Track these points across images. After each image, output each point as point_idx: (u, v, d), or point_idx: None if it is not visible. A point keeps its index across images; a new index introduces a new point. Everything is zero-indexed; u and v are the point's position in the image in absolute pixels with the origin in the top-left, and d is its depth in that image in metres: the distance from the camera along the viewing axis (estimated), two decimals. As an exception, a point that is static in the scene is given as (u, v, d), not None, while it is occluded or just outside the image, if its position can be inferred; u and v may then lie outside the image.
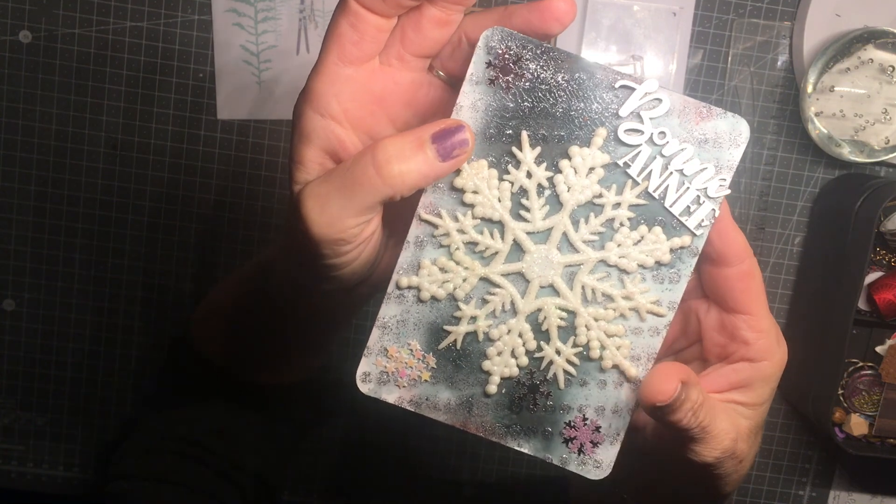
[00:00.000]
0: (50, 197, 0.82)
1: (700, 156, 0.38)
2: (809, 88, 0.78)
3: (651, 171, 0.38)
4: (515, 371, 0.40)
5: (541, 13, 0.37)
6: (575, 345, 0.39)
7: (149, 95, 0.81)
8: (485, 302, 0.39)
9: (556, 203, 0.38)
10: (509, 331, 0.39)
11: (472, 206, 0.38)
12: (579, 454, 0.40)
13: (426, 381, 0.40)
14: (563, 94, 0.38)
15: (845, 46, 0.77)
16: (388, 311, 0.39)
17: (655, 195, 0.38)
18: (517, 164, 0.38)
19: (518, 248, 0.39)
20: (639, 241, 0.39)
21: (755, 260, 0.40)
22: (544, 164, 0.38)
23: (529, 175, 0.38)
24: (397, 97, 0.40)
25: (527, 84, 0.38)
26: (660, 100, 0.38)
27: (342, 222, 0.37)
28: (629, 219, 0.38)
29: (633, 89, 0.38)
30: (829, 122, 0.80)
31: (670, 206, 0.38)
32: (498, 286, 0.39)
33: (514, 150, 0.38)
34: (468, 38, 0.39)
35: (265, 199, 0.83)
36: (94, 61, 0.80)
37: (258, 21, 0.79)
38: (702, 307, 0.42)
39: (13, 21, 0.79)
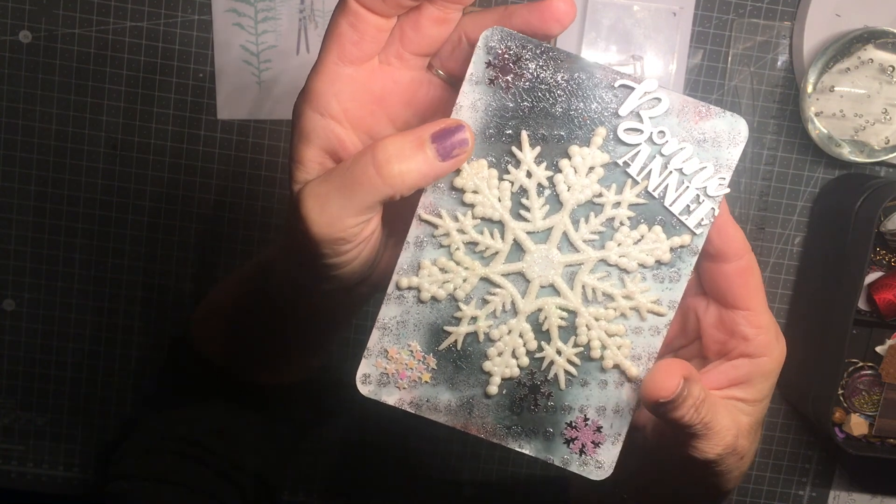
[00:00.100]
0: (50, 197, 0.82)
1: (699, 155, 0.38)
2: (809, 88, 0.78)
3: (651, 170, 0.38)
4: (516, 371, 0.39)
5: (541, 14, 0.37)
6: (576, 345, 0.39)
7: (149, 95, 0.81)
8: (485, 302, 0.39)
9: (556, 202, 0.38)
10: (510, 331, 0.39)
11: (472, 205, 0.38)
12: (581, 455, 0.40)
13: (426, 382, 0.40)
14: (562, 93, 0.38)
15: (845, 46, 0.77)
16: (388, 311, 0.39)
17: (655, 194, 0.38)
18: (517, 163, 0.38)
19: (518, 248, 0.39)
20: (639, 241, 0.39)
21: (753, 256, 0.40)
22: (544, 164, 0.38)
23: (529, 175, 0.38)
24: (397, 96, 0.40)
25: (526, 84, 0.38)
26: (659, 99, 0.38)
27: (342, 222, 0.37)
28: (629, 218, 0.38)
29: (632, 89, 0.38)
30: (829, 122, 0.80)
31: (670, 205, 0.38)
32: (498, 286, 0.39)
33: (514, 149, 0.38)
34: (468, 38, 0.39)
35: (265, 199, 0.83)
36: (94, 61, 0.80)
37: (258, 21, 0.79)
38: (700, 305, 0.42)
39: (13, 21, 0.79)
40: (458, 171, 0.38)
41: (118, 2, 0.79)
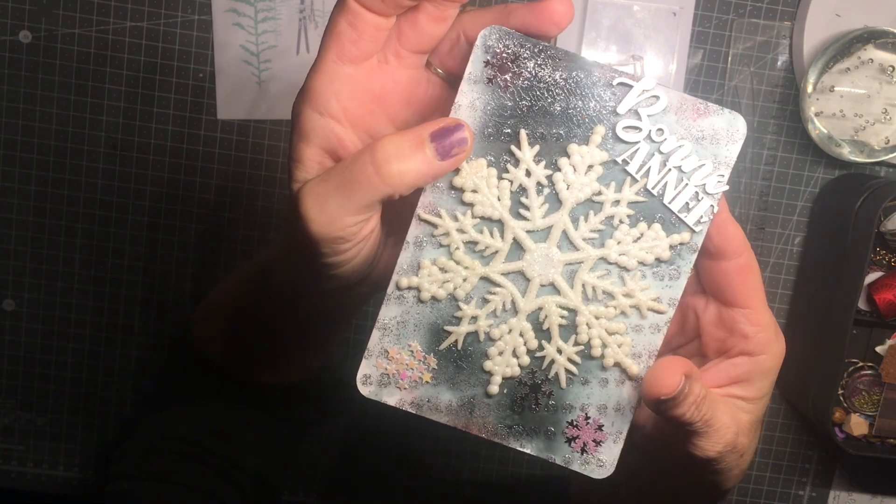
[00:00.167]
0: (50, 197, 0.82)
1: (698, 152, 0.38)
2: (809, 88, 0.78)
3: (649, 167, 0.38)
4: (517, 371, 0.39)
5: (538, 15, 0.37)
6: (576, 343, 0.39)
7: (149, 95, 0.81)
8: (485, 301, 0.39)
9: (555, 201, 0.38)
10: (510, 330, 0.39)
11: (471, 205, 0.38)
12: (582, 453, 0.40)
13: (427, 382, 0.39)
14: (560, 92, 0.38)
15: (845, 46, 0.77)
16: (388, 312, 0.39)
17: (654, 192, 0.38)
18: (516, 162, 0.38)
19: (518, 247, 0.39)
20: (638, 239, 0.39)
21: (753, 254, 0.40)
22: (543, 163, 0.38)
23: (528, 173, 0.38)
24: (396, 95, 0.40)
25: (525, 83, 0.38)
26: (657, 97, 0.38)
27: (341, 220, 0.37)
28: (628, 216, 0.38)
29: (630, 87, 0.38)
30: (829, 122, 0.80)
31: (669, 203, 0.38)
32: (498, 285, 0.39)
33: (513, 148, 0.38)
34: (466, 37, 0.39)
35: (265, 199, 0.83)
36: (94, 61, 0.80)
37: (258, 21, 0.79)
38: (700, 303, 0.42)
39: (13, 21, 0.79)
40: (457, 171, 0.38)
41: (118, 2, 0.79)
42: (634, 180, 0.38)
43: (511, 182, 0.38)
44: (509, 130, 0.38)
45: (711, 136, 0.38)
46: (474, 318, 0.39)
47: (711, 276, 0.40)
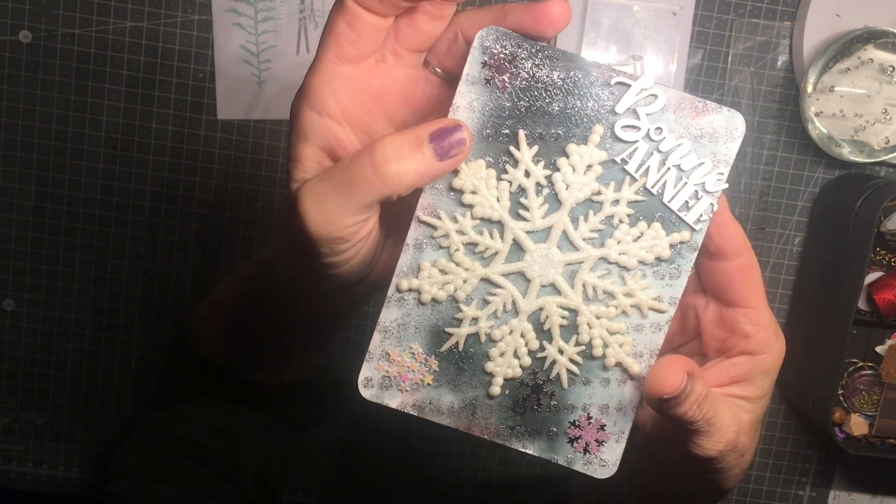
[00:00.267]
0: (50, 197, 0.82)
1: (697, 151, 0.38)
2: (809, 88, 0.78)
3: (649, 167, 0.38)
4: (518, 372, 0.39)
5: (535, 16, 0.37)
6: (577, 343, 0.39)
7: (149, 95, 0.81)
8: (486, 303, 0.39)
9: (554, 201, 0.38)
10: (511, 331, 0.39)
11: (470, 206, 0.38)
12: (585, 453, 0.40)
13: (429, 384, 0.39)
14: (559, 92, 0.38)
15: (845, 46, 0.77)
16: (389, 314, 0.39)
17: (654, 191, 0.38)
18: (515, 163, 0.38)
19: (518, 248, 0.39)
20: (638, 238, 0.39)
21: (754, 253, 0.40)
22: (542, 163, 0.38)
23: (528, 174, 0.38)
24: (394, 94, 0.40)
25: (523, 83, 0.38)
26: (655, 96, 0.38)
27: (339, 221, 0.36)
28: (628, 215, 0.38)
29: (628, 86, 0.38)
30: (829, 122, 0.80)
31: (669, 202, 0.38)
32: (499, 286, 0.39)
33: (512, 149, 0.38)
34: (464, 36, 0.39)
35: (265, 199, 0.83)
36: (94, 61, 0.80)
37: (258, 21, 0.79)
38: (700, 302, 0.42)
39: (13, 21, 0.79)
40: (456, 172, 0.38)
41: (118, 2, 0.79)
42: (634, 179, 0.38)
43: (510, 183, 0.38)
44: (508, 131, 0.38)
45: (710, 134, 0.38)
46: (475, 320, 0.39)
47: (712, 276, 0.40)
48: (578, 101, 0.38)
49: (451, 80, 0.40)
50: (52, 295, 0.84)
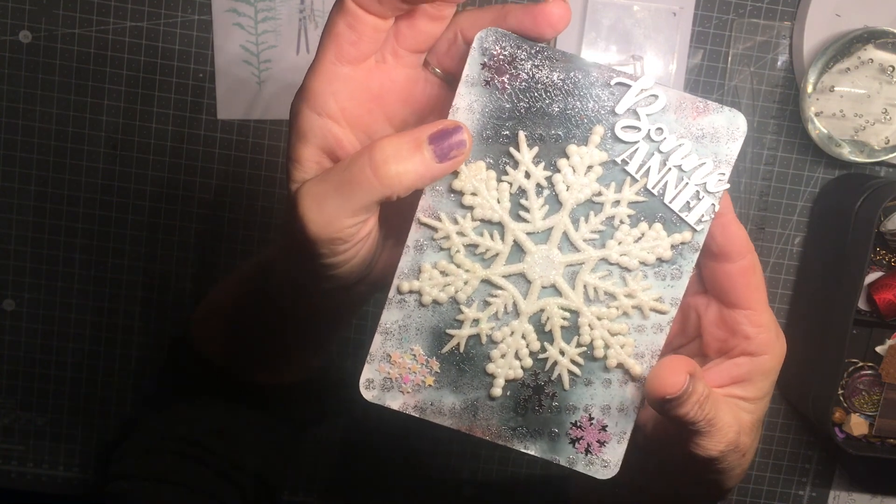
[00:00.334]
0: (50, 197, 0.82)
1: (698, 151, 0.38)
2: (809, 88, 0.78)
3: (649, 167, 0.38)
4: (520, 373, 0.39)
5: (535, 17, 0.37)
6: (579, 344, 0.39)
7: (149, 95, 0.81)
8: (487, 304, 0.39)
9: (555, 202, 0.38)
10: (512, 332, 0.39)
11: (471, 207, 0.38)
12: (586, 454, 0.40)
13: (430, 386, 0.39)
14: (559, 93, 0.38)
15: (845, 46, 0.77)
16: (390, 316, 0.39)
17: (655, 191, 0.38)
18: (515, 164, 0.38)
19: (519, 249, 0.39)
20: (639, 238, 0.39)
21: (756, 255, 0.40)
22: (542, 164, 0.38)
23: (528, 175, 0.38)
24: (394, 94, 0.40)
25: (522, 84, 0.38)
26: (656, 96, 0.38)
27: (339, 221, 0.36)
28: (629, 216, 0.38)
29: (628, 86, 0.37)
30: (829, 122, 0.80)
31: (670, 202, 0.38)
32: (500, 288, 0.39)
33: (512, 150, 0.38)
34: (464, 36, 0.39)
35: (265, 199, 0.83)
36: (94, 61, 0.80)
37: (258, 21, 0.79)
38: (700, 303, 0.42)
39: (13, 21, 0.79)
40: (456, 174, 0.38)
41: (118, 2, 0.79)
42: (634, 180, 0.38)
43: (510, 184, 0.38)
44: (508, 132, 0.38)
45: (711, 134, 0.38)
46: (476, 321, 0.39)
47: (714, 277, 0.40)
48: (578, 102, 0.38)
49: (450, 81, 0.40)
50: (52, 295, 0.84)
